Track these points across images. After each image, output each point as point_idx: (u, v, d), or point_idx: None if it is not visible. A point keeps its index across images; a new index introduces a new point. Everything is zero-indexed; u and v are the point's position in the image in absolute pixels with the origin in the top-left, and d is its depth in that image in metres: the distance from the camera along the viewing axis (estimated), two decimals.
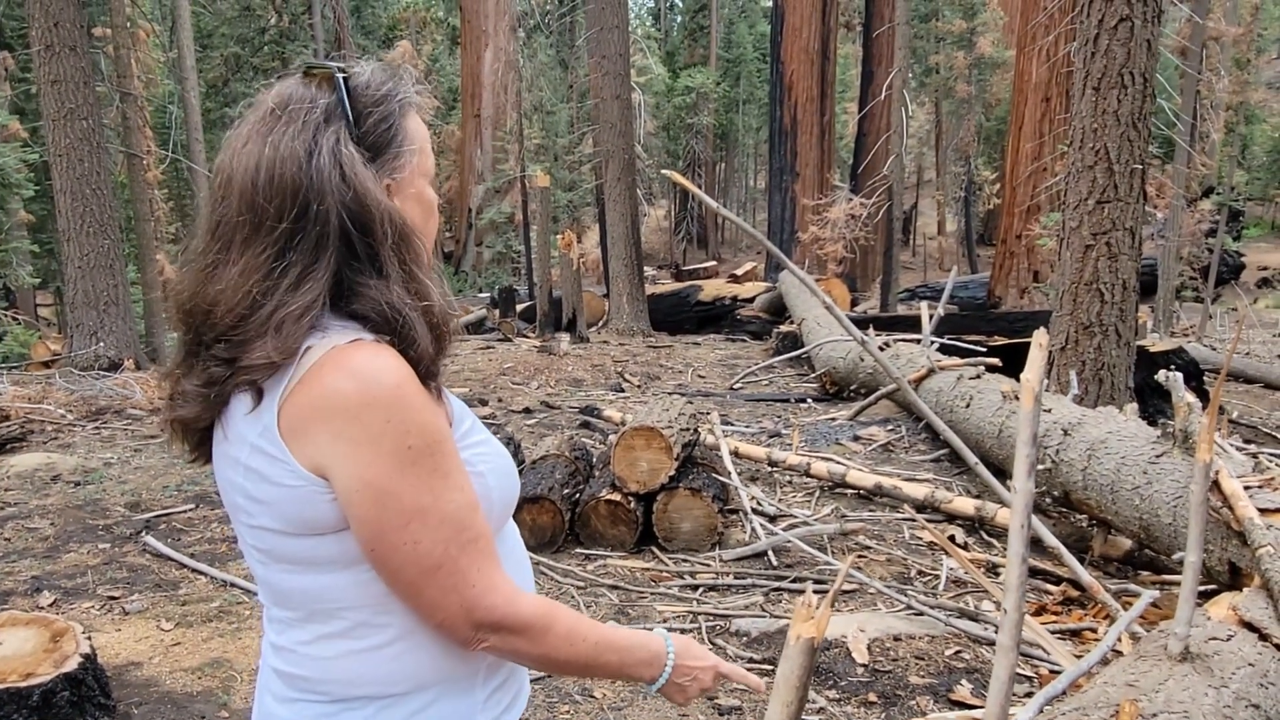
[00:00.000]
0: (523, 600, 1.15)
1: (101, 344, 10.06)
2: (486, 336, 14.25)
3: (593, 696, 3.40)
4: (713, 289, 15.59)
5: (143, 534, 4.97)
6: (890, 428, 7.06)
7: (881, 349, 7.52)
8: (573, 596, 4.33)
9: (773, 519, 5.21)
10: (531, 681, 3.50)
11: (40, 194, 18.93)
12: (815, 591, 1.02)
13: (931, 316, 8.30)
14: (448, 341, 1.16)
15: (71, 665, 3.03)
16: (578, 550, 4.89)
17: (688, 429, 5.31)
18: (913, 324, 9.97)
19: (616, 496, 4.89)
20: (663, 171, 4.23)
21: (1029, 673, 3.35)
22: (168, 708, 3.26)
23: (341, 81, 1.13)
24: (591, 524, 4.93)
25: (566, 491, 4.99)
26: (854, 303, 16.36)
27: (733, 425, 7.44)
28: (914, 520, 5.15)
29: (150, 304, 13.81)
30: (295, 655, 1.16)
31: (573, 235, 13.06)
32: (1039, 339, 1.39)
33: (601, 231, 17.15)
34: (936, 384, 6.35)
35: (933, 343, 7.60)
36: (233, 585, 4.30)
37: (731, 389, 9.69)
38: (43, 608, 3.97)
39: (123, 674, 3.51)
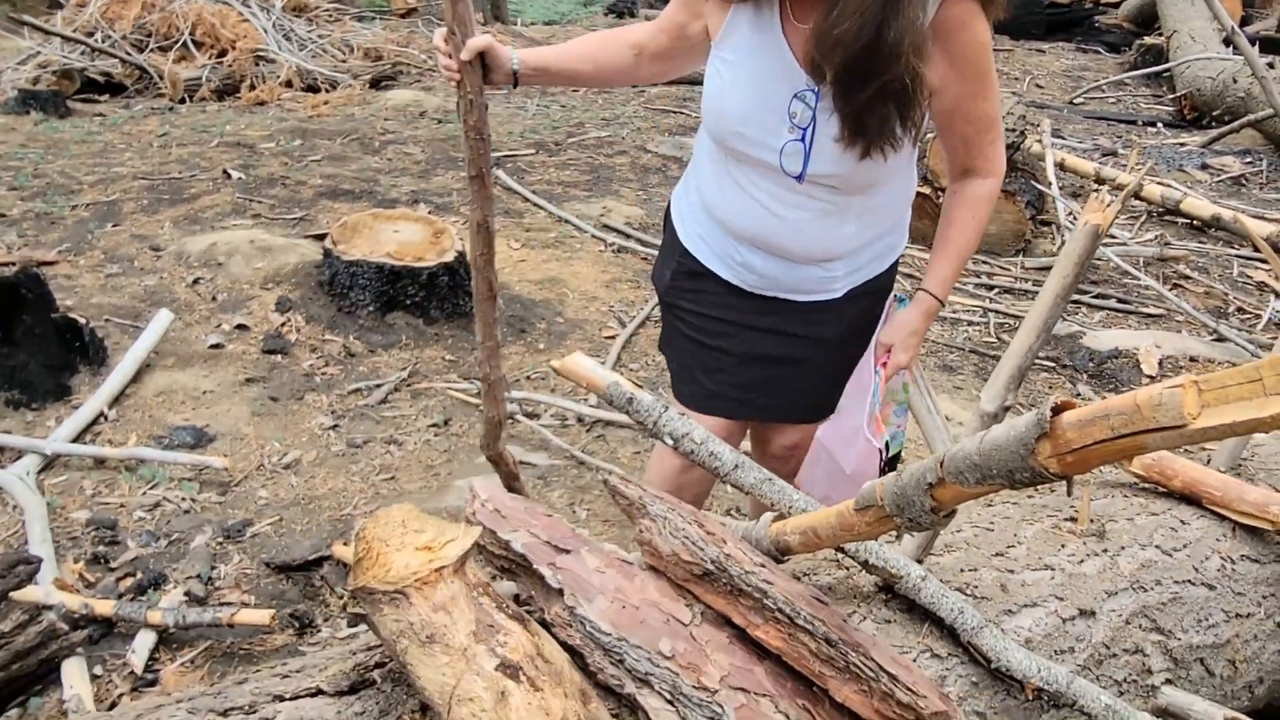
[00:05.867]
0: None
1: None
2: None
3: None
4: None
5: (495, 169, 5.66)
6: (1248, 160, 6.32)
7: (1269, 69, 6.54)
8: None
9: None
10: None
11: None
12: (1110, 192, 1.15)
13: None
14: None
15: (449, 257, 3.72)
16: None
17: (1014, 130, 5.08)
18: None
19: (927, 190, 4.89)
20: None
21: None
22: (518, 305, 3.93)
23: None
24: None
25: None
26: (1245, 20, 13.87)
27: (1064, 140, 6.95)
28: (1249, 259, 4.78)
29: None
30: None
31: None
32: None
33: None
34: None
35: None
36: (566, 221, 4.89)
37: (1071, 103, 8.87)
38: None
39: None
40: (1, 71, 7.44)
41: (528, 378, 3.40)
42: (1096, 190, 5.21)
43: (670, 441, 1.22)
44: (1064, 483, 0.85)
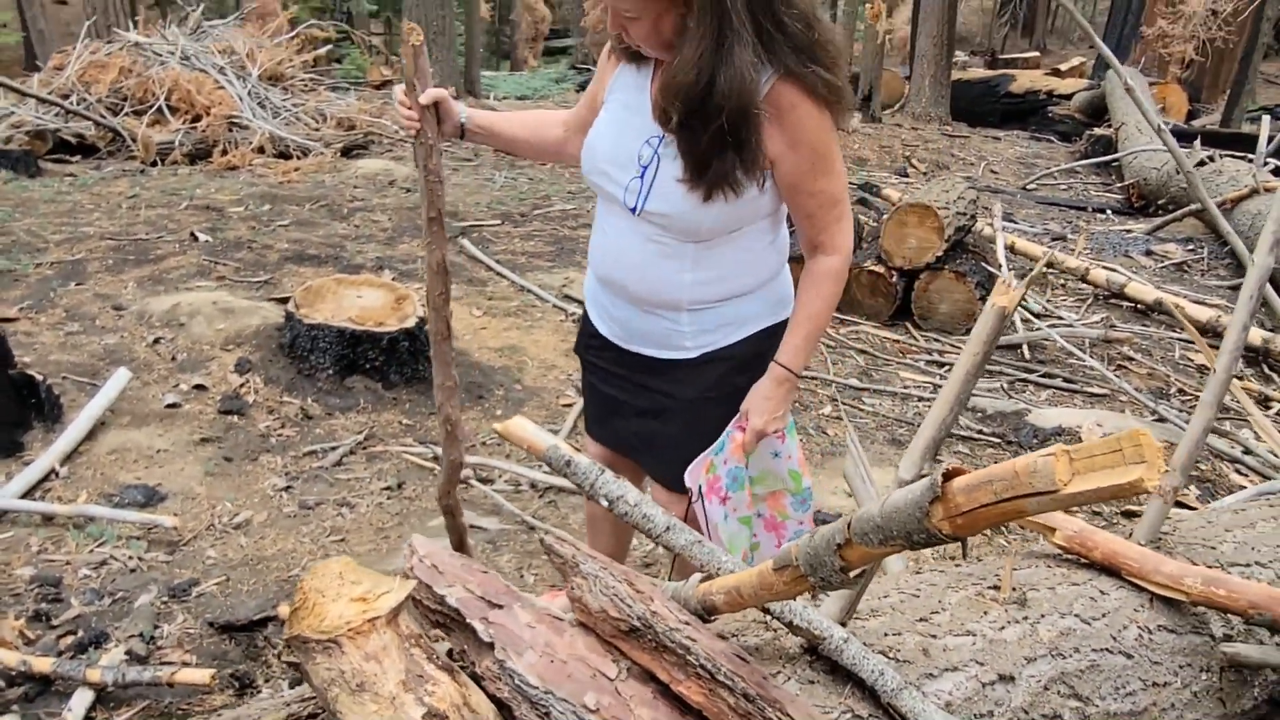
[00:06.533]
0: None
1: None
2: None
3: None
4: (1026, 80, 14.33)
5: (459, 238, 5.76)
6: (1190, 248, 6.58)
7: (1201, 164, 6.86)
8: (821, 353, 4.66)
9: (1036, 316, 5.19)
10: None
11: None
12: (1017, 277, 1.24)
13: (1275, 137, 7.37)
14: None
15: (410, 322, 3.77)
16: (834, 314, 5.16)
17: (965, 214, 5.28)
18: (1252, 145, 8.88)
19: (880, 269, 5.05)
20: None
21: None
22: (477, 372, 3.98)
23: None
24: (851, 291, 5.15)
25: None
26: (1191, 115, 14.50)
27: (1015, 224, 7.20)
28: (1190, 342, 4.96)
29: (470, 39, 14.76)
30: None
31: (882, 7, 12.36)
32: None
33: (915, 6, 15.99)
34: (1255, 206, 5.82)
35: (1266, 164, 6.82)
36: (528, 290, 4.97)
37: (1024, 189, 9.21)
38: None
39: None
40: None
41: (483, 443, 3.44)
42: (1045, 273, 5.36)
43: (605, 503, 1.27)
44: (959, 545, 0.92)
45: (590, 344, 1.98)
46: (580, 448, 1.36)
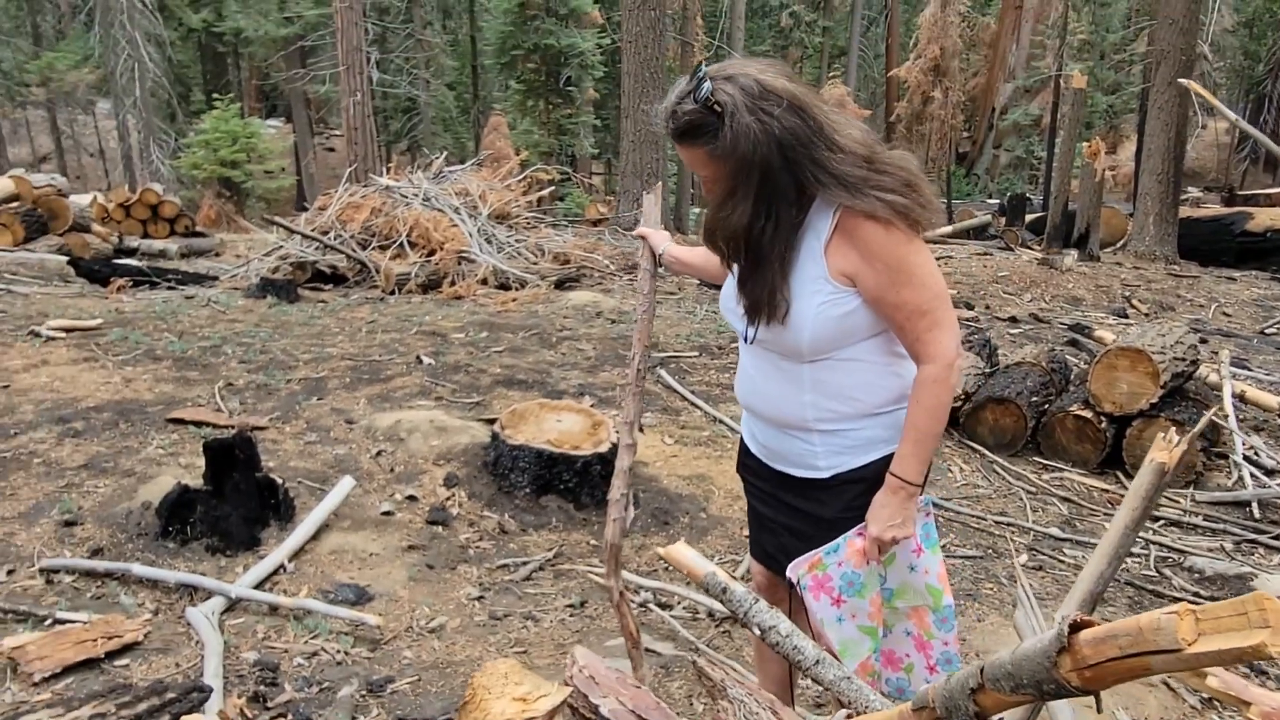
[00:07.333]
0: None
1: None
2: (987, 243, 13.89)
3: None
4: (1266, 219, 13.39)
5: (657, 368, 6.01)
6: None
7: None
8: (1020, 499, 4.47)
9: (1269, 473, 4.76)
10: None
11: (607, 75, 21.94)
12: (1178, 431, 1.22)
13: None
14: None
15: (604, 448, 3.97)
16: (1035, 458, 4.95)
17: (1184, 359, 4.99)
18: None
19: (1087, 414, 4.83)
20: (1179, 80, 3.95)
21: None
22: (663, 499, 4.10)
23: None
24: (1055, 436, 4.94)
25: (1035, 399, 5.03)
26: None
27: (1249, 370, 6.67)
28: None
29: (682, 178, 15.57)
30: None
31: (1100, 144, 12.05)
32: None
33: (1139, 142, 15.44)
34: None
35: None
36: (721, 421, 5.10)
37: (1262, 333, 8.54)
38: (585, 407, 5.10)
39: (634, 468, 4.45)
40: (250, 261, 8.61)
41: (665, 568, 3.52)
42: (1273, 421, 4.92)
43: (758, 632, 1.33)
44: (1094, 699, 0.92)
45: (746, 463, 2.15)
46: (745, 576, 1.43)
